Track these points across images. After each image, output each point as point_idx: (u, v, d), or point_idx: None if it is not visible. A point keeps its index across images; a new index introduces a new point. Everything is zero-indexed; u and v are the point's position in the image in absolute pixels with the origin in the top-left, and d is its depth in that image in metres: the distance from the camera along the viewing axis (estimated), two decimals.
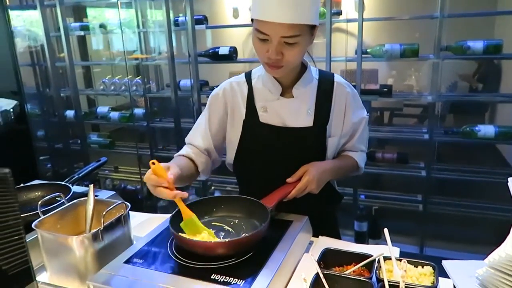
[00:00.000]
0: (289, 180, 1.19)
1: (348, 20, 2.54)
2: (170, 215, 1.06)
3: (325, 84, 1.29)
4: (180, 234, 0.98)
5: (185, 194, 0.98)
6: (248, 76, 1.31)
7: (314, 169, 1.18)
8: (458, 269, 1.05)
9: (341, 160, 1.35)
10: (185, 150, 1.31)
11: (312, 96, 1.26)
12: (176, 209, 1.05)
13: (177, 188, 1.01)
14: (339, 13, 2.49)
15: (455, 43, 2.35)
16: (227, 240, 0.96)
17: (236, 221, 1.13)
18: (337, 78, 1.31)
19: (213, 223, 1.11)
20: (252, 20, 1.13)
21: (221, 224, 1.11)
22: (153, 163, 1.00)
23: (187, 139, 1.35)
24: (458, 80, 3.64)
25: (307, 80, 1.27)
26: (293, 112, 1.24)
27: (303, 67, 1.28)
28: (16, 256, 0.49)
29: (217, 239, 1.02)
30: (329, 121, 1.27)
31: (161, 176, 1.00)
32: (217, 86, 1.34)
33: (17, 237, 0.47)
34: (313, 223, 1.20)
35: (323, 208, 1.37)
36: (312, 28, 1.13)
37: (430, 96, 2.54)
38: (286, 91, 1.26)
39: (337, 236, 1.41)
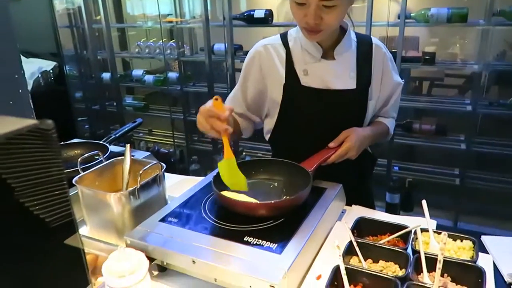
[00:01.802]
0: (331, 144, 1.17)
1: None
2: (207, 176, 1.07)
3: (364, 46, 1.25)
4: (222, 193, 0.99)
5: (231, 129, 0.98)
6: (285, 38, 1.26)
7: (355, 135, 1.16)
8: (498, 245, 1.01)
9: (377, 126, 1.33)
10: None
11: (353, 58, 1.23)
12: (217, 170, 1.06)
13: None
14: None
15: (510, 7, 2.17)
16: (272, 202, 0.97)
17: (276, 184, 1.13)
18: (375, 40, 1.27)
19: (253, 185, 1.11)
20: None
21: (261, 187, 1.11)
22: (216, 99, 0.99)
23: (227, 102, 1.35)
24: (508, 48, 3.40)
25: (348, 43, 1.23)
26: (335, 74, 1.21)
27: (343, 30, 1.23)
28: (60, 209, 0.50)
29: (246, 191, 1.04)
30: (371, 83, 1.24)
31: (219, 110, 0.99)
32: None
33: (60, 190, 0.48)
34: (348, 190, 1.18)
35: (359, 172, 1.34)
36: None
37: (476, 65, 2.39)
38: (326, 53, 1.22)
39: (372, 206, 1.39)
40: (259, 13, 2.66)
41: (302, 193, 0.99)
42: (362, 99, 1.24)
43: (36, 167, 0.44)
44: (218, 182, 1.04)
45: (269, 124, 1.33)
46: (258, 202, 0.98)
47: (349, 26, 1.26)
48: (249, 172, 1.14)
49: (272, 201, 0.98)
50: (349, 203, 1.19)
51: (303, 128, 1.26)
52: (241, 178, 1.04)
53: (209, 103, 1.00)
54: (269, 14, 2.68)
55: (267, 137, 1.37)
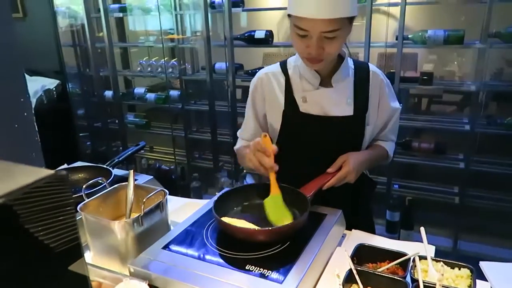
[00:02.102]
0: (329, 170, 1.19)
1: (390, 4, 2.45)
2: (209, 200, 1.09)
3: (361, 73, 1.29)
4: (222, 219, 1.02)
5: (277, 167, 1.06)
6: (284, 66, 1.31)
7: (352, 160, 1.19)
8: (496, 271, 1.02)
9: (374, 150, 1.35)
10: (239, 144, 1.40)
11: (350, 85, 1.26)
12: (219, 195, 1.11)
13: None
14: None
15: (505, 29, 2.21)
16: (269, 228, 0.99)
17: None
18: (372, 67, 1.31)
19: (252, 210, 1.13)
20: (289, 15, 1.13)
21: (260, 212, 1.12)
22: (265, 136, 1.07)
23: (239, 134, 1.43)
24: (505, 66, 3.45)
25: (345, 70, 1.26)
26: (333, 101, 1.25)
27: (340, 58, 1.27)
28: (66, 234, 0.52)
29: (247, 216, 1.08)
30: (367, 110, 1.27)
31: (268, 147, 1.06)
32: (252, 70, 1.36)
33: (70, 220, 0.51)
34: (347, 215, 1.20)
35: (358, 196, 1.37)
36: (351, 18, 1.12)
37: (474, 85, 2.42)
38: (324, 81, 1.26)
39: (372, 229, 1.41)
40: (259, 34, 2.71)
41: (300, 219, 1.02)
42: (359, 125, 1.26)
43: (50, 213, 0.46)
44: (219, 208, 1.06)
45: None
46: (257, 229, 1.00)
47: (346, 54, 1.30)
48: (247, 196, 1.16)
49: (271, 228, 1.00)
50: (348, 227, 1.21)
51: (302, 154, 1.29)
52: (286, 214, 1.07)
53: (257, 139, 1.07)
54: (270, 35, 2.73)
55: None
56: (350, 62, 1.30)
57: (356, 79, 1.27)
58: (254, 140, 1.07)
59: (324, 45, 1.10)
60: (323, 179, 1.18)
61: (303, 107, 1.25)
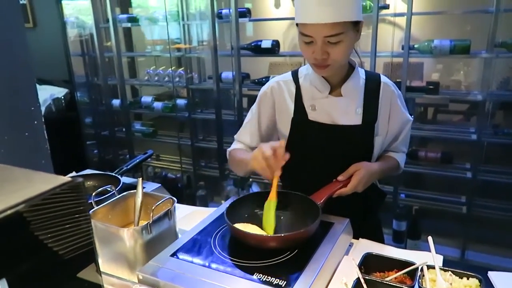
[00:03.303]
0: (340, 178, 1.19)
1: (396, 14, 2.46)
2: (216, 209, 1.09)
3: (372, 84, 1.29)
4: (235, 225, 1.03)
5: (280, 172, 1.07)
6: (295, 75, 1.33)
7: (364, 170, 1.19)
8: (505, 281, 1.01)
9: (386, 161, 1.35)
10: (235, 145, 1.38)
11: (360, 95, 1.27)
12: (230, 201, 1.13)
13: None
14: (386, 7, 2.41)
15: (510, 39, 2.22)
16: (282, 235, 1.00)
17: (286, 216, 1.16)
18: (383, 78, 1.31)
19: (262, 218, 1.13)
20: (297, 25, 1.16)
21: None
22: (283, 142, 1.08)
23: (236, 136, 1.41)
24: (511, 76, 3.45)
25: (355, 79, 1.27)
26: (342, 110, 1.26)
27: (351, 67, 1.28)
28: (80, 240, 0.54)
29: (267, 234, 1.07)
30: (377, 120, 1.27)
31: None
32: (258, 79, 1.38)
33: (85, 226, 0.52)
34: (356, 224, 1.20)
35: (366, 206, 1.37)
36: (356, 24, 1.14)
37: (480, 94, 2.43)
38: (334, 90, 1.27)
39: (381, 240, 1.41)
40: (266, 44, 2.74)
41: (312, 226, 1.02)
42: (368, 135, 1.27)
43: (66, 218, 0.47)
44: (231, 215, 1.07)
45: None
46: (269, 235, 1.01)
47: (355, 58, 1.31)
48: (258, 203, 1.16)
49: (283, 234, 1.00)
50: (356, 236, 1.21)
51: (310, 161, 1.30)
52: (271, 222, 1.08)
53: (270, 143, 1.08)
54: (276, 44, 2.75)
55: None
56: (361, 72, 1.31)
57: (366, 89, 1.28)
58: (271, 143, 1.08)
59: (328, 50, 1.11)
60: (333, 187, 1.18)
61: (312, 115, 1.26)
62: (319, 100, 1.27)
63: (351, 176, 1.19)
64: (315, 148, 1.28)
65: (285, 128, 1.31)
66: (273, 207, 1.09)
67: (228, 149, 1.39)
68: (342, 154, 1.25)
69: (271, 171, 1.06)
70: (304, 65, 1.35)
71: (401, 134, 1.36)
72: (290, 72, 1.34)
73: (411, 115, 1.38)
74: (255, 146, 1.32)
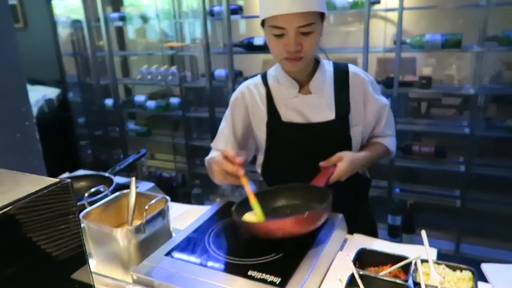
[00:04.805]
0: (322, 164, 1.17)
1: (387, 9, 2.47)
2: (211, 208, 1.08)
3: (340, 75, 1.28)
4: (245, 219, 1.02)
5: (243, 171, 1.04)
6: (264, 77, 1.31)
7: (347, 160, 1.17)
8: (498, 273, 1.02)
9: (372, 148, 1.34)
10: (211, 154, 1.35)
11: (329, 89, 1.27)
12: (240, 200, 1.11)
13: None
14: (377, 2, 2.41)
15: (501, 32, 2.23)
16: (305, 216, 0.96)
17: (289, 211, 1.13)
18: (351, 67, 1.30)
19: (272, 214, 1.10)
20: (262, 23, 1.16)
21: (279, 214, 1.11)
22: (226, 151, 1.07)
23: (212, 144, 1.39)
24: (503, 69, 3.47)
25: (322, 74, 1.27)
26: (313, 107, 1.25)
27: (316, 62, 1.28)
28: (71, 242, 0.53)
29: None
30: (350, 111, 1.26)
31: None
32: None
33: (74, 228, 0.51)
34: (346, 215, 1.19)
35: (353, 194, 1.35)
36: (322, 16, 1.15)
37: (472, 88, 2.44)
38: (303, 88, 1.26)
39: (374, 230, 1.41)
40: (258, 41, 2.73)
41: (328, 202, 1.01)
42: (343, 128, 1.26)
43: (55, 220, 0.47)
44: (238, 211, 1.06)
45: (259, 159, 1.37)
46: (288, 219, 0.98)
47: (321, 54, 1.31)
48: (266, 201, 1.12)
49: (305, 214, 0.96)
50: (350, 231, 1.21)
51: (290, 162, 1.30)
52: (260, 216, 1.05)
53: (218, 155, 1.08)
54: None
55: (259, 170, 1.40)
56: (329, 65, 1.30)
57: (335, 81, 1.27)
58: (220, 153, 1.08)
59: (301, 41, 1.11)
60: (326, 173, 1.15)
61: (285, 116, 1.26)
62: (290, 100, 1.26)
63: (335, 165, 1.16)
64: (293, 148, 1.28)
65: (260, 132, 1.31)
66: (257, 206, 1.05)
67: (206, 158, 1.36)
68: (320, 151, 1.23)
69: (232, 175, 1.05)
70: None
71: (382, 118, 1.35)
72: (259, 75, 1.33)
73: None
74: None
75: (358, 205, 1.42)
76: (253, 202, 1.05)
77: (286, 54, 1.14)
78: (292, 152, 1.28)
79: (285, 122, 1.25)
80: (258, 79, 1.32)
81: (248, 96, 1.30)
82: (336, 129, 1.26)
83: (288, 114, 1.26)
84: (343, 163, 1.16)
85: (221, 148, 1.30)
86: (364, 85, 1.29)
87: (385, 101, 1.35)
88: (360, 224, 1.27)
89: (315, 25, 1.11)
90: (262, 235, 1.00)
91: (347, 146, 1.28)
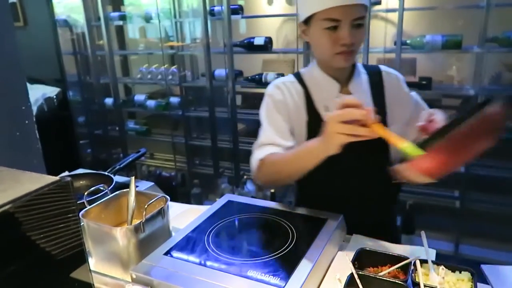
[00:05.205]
0: (419, 124, 1.03)
1: (388, 10, 2.47)
2: (211, 206, 1.06)
3: (374, 77, 1.27)
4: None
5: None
6: (299, 77, 1.27)
7: (437, 110, 1.06)
8: (498, 274, 1.02)
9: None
10: (268, 150, 1.16)
11: (367, 90, 1.25)
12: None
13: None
14: (378, 2, 2.41)
15: (502, 33, 2.23)
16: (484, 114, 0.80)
17: None
18: (383, 67, 1.29)
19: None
20: (305, 21, 1.14)
21: None
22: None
23: (261, 141, 1.21)
24: (503, 70, 3.47)
25: (359, 75, 1.25)
26: None
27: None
28: (71, 240, 0.53)
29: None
30: (386, 112, 1.24)
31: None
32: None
33: (74, 226, 0.51)
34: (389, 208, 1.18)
35: (388, 192, 1.32)
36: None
37: (472, 89, 2.44)
38: (342, 89, 1.23)
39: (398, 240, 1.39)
40: (259, 41, 2.73)
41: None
42: None
43: (55, 219, 0.47)
44: None
45: None
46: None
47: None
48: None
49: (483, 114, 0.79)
50: (375, 234, 1.16)
51: (328, 165, 1.16)
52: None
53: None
54: (269, 41, 2.75)
55: None
56: (360, 67, 1.28)
57: (371, 83, 1.25)
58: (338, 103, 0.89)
59: (354, 34, 1.09)
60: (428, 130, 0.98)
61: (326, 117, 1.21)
62: (331, 101, 1.20)
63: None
64: (336, 154, 1.14)
65: (300, 131, 1.24)
66: (410, 144, 0.86)
67: (258, 157, 1.16)
68: (360, 154, 1.14)
69: (361, 124, 0.87)
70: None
71: (421, 106, 1.30)
72: (290, 75, 1.29)
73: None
74: (291, 146, 1.17)
75: (390, 210, 1.38)
76: (402, 143, 0.86)
77: (340, 48, 1.10)
78: (335, 155, 1.15)
79: None
80: (291, 78, 1.27)
81: (286, 92, 1.24)
82: None
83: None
84: (438, 114, 1.03)
85: (279, 141, 1.17)
86: (398, 83, 1.27)
87: (413, 93, 1.32)
88: (387, 229, 1.23)
89: (364, 19, 1.10)
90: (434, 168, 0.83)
91: (386, 148, 1.25)
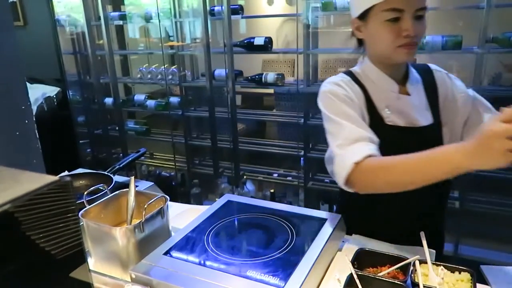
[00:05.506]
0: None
1: None
2: (211, 206, 1.07)
3: (426, 75, 1.21)
4: None
5: None
6: (353, 76, 1.18)
7: None
8: (497, 275, 1.02)
9: None
10: (364, 149, 1.00)
11: (422, 90, 1.19)
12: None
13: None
14: None
15: (502, 34, 2.23)
16: None
17: None
18: (432, 66, 1.24)
19: None
20: (360, 17, 1.08)
21: None
22: None
23: (352, 135, 1.03)
24: (503, 71, 3.47)
25: (413, 74, 1.19)
26: (415, 110, 1.15)
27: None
28: (71, 240, 0.53)
29: None
30: (440, 114, 1.19)
31: None
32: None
33: (74, 226, 0.51)
34: (420, 222, 1.11)
35: (436, 196, 1.25)
36: None
37: (472, 90, 2.43)
38: (400, 89, 1.16)
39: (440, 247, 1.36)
40: (259, 41, 2.73)
41: None
42: (439, 132, 1.18)
43: (54, 219, 0.47)
44: None
45: None
46: None
47: None
48: None
49: None
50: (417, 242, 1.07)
51: None
52: None
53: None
54: (269, 41, 2.75)
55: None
56: (410, 65, 1.21)
57: (424, 83, 1.19)
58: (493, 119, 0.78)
59: (417, 26, 1.03)
60: None
61: (389, 119, 1.13)
62: (392, 101, 1.14)
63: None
64: (395, 153, 1.05)
65: None
66: None
67: (352, 160, 0.99)
68: None
69: None
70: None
71: (478, 99, 1.20)
72: (343, 74, 1.19)
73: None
74: (376, 139, 1.06)
75: (435, 213, 1.32)
76: None
77: (403, 40, 1.03)
78: None
79: (389, 125, 1.13)
80: (345, 77, 1.17)
81: (348, 89, 1.13)
82: (434, 133, 1.17)
83: (391, 116, 1.14)
84: None
85: (369, 136, 1.04)
86: (450, 82, 1.21)
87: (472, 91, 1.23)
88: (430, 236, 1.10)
89: (426, 10, 1.04)
90: None
91: None
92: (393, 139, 1.11)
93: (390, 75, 1.15)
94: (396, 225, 1.19)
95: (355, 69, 1.20)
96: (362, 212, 1.23)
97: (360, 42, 1.20)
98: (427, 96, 1.18)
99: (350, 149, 1.01)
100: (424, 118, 1.15)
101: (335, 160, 1.05)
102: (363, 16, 1.08)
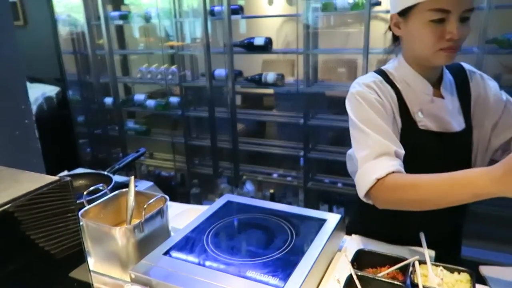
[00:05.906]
0: None
1: (388, 11, 2.46)
2: (210, 206, 1.07)
3: (459, 76, 1.14)
4: None
5: None
6: (386, 76, 1.11)
7: None
8: (496, 276, 1.02)
9: None
10: (388, 165, 0.96)
11: (454, 92, 1.13)
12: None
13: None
14: (378, 3, 2.41)
15: (501, 35, 2.23)
16: None
17: None
18: (466, 66, 1.17)
19: None
20: (401, 13, 1.01)
21: None
22: None
23: (377, 149, 0.98)
24: (503, 72, 3.47)
25: (446, 75, 1.13)
26: (449, 114, 1.09)
27: None
28: (70, 239, 0.53)
29: None
30: (472, 116, 1.13)
31: None
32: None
33: (73, 226, 0.51)
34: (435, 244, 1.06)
35: (453, 220, 1.24)
36: None
37: (505, 93, 2.44)
38: (434, 92, 1.10)
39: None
40: (259, 41, 2.73)
41: None
42: (470, 138, 1.13)
43: (54, 218, 0.47)
44: None
45: None
46: None
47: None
48: None
49: None
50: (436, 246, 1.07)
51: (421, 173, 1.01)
52: None
53: None
54: (269, 41, 2.75)
55: None
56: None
57: (457, 84, 1.13)
58: None
59: (461, 29, 0.97)
60: None
61: (422, 123, 1.08)
62: (426, 105, 1.08)
63: None
64: (428, 159, 1.08)
65: None
66: None
67: (375, 176, 0.94)
68: (452, 165, 0.96)
69: None
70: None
71: (509, 106, 1.11)
72: (373, 73, 1.12)
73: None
74: (402, 152, 1.01)
75: (452, 235, 1.30)
76: None
77: (445, 43, 0.97)
78: (425, 163, 1.06)
79: (423, 130, 1.07)
80: (376, 76, 1.10)
81: (380, 92, 1.06)
82: (467, 138, 1.12)
83: (425, 121, 1.08)
84: None
85: (395, 149, 0.99)
86: (484, 83, 1.14)
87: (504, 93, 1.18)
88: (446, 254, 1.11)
89: (472, 11, 0.98)
90: None
91: (469, 157, 1.14)
92: (425, 145, 1.08)
93: (424, 76, 1.08)
94: (414, 231, 1.11)
95: (388, 68, 1.13)
96: (380, 218, 1.13)
97: (395, 39, 1.14)
98: (459, 99, 1.13)
99: (373, 164, 0.97)
100: (457, 123, 1.10)
101: (358, 171, 1.01)
102: (405, 12, 1.01)
